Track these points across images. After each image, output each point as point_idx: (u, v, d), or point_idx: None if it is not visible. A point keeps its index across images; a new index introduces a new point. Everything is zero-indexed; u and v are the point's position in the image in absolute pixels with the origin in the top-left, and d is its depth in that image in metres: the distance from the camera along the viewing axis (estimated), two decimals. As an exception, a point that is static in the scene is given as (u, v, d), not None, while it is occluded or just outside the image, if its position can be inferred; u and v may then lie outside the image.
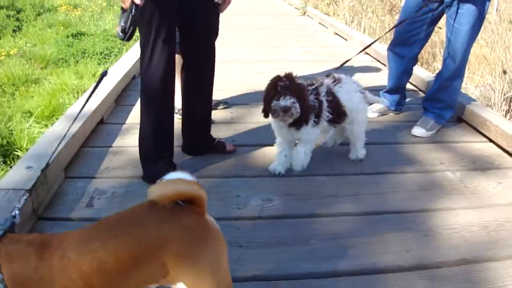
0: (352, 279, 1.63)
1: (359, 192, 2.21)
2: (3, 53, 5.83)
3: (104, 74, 1.44)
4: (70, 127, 1.54)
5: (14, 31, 7.43)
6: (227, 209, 2.04)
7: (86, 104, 2.83)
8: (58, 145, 1.51)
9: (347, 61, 2.56)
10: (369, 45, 3.08)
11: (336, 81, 2.33)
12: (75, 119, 1.54)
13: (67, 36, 6.59)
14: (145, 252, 0.99)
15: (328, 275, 1.65)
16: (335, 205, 2.10)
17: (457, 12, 2.65)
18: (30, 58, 5.69)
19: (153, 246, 1.00)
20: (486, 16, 2.78)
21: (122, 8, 1.82)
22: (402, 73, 3.10)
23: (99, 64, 5.50)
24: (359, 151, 2.51)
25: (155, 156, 2.21)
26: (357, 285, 1.60)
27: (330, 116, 2.28)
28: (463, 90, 4.19)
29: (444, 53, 2.88)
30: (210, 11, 2.28)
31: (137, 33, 1.99)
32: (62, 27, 7.42)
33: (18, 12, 8.39)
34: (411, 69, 3.14)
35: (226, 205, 2.07)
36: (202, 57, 2.35)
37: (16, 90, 4.64)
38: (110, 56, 5.78)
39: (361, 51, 2.96)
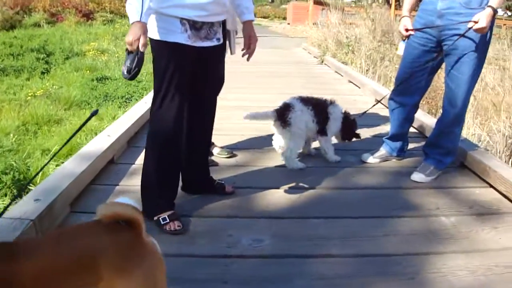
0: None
1: (351, 236, 2.25)
2: (30, 94, 6.17)
3: (94, 113, 1.56)
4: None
5: (42, 73, 7.86)
6: (217, 247, 2.11)
7: (97, 144, 2.99)
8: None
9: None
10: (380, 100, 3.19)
11: None
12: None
13: (92, 80, 6.92)
14: (82, 259, 1.16)
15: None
16: (324, 248, 2.15)
17: (457, 61, 2.69)
18: (55, 100, 5.99)
19: (89, 254, 1.17)
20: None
21: (127, 50, 1.97)
22: (404, 120, 3.14)
23: (119, 107, 5.74)
24: None
25: (155, 194, 2.30)
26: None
27: None
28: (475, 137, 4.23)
29: (443, 100, 2.92)
30: (222, 61, 2.47)
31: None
32: (88, 71, 7.81)
33: (48, 56, 8.88)
34: (413, 116, 3.20)
35: (218, 243, 2.14)
36: (207, 103, 2.50)
37: (39, 129, 4.88)
38: (131, 100, 6.04)
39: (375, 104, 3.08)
